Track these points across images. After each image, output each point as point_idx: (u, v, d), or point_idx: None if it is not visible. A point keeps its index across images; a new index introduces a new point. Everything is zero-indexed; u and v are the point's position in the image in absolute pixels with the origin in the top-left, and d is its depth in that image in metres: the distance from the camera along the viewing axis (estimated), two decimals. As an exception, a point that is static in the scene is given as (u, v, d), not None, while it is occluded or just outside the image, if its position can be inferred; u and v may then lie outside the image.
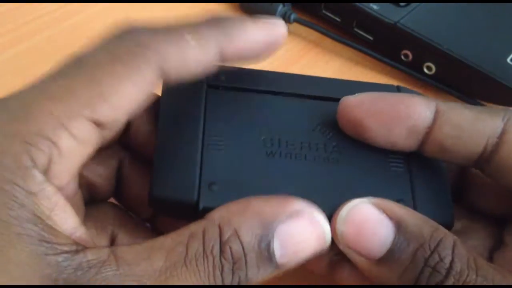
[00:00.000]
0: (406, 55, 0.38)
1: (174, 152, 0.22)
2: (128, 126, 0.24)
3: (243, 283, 0.18)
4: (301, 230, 0.19)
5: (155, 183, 0.21)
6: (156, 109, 0.23)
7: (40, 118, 0.18)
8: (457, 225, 0.24)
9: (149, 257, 0.18)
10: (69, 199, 0.19)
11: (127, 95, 0.19)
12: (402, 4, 0.38)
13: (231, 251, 0.18)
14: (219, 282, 0.18)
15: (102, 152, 0.23)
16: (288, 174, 0.22)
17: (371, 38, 0.39)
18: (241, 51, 0.21)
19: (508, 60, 0.36)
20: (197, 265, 0.18)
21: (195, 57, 0.20)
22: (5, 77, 0.35)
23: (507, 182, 0.22)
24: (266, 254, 0.18)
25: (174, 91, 0.23)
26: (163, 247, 0.18)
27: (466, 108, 0.22)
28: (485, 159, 0.21)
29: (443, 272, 0.18)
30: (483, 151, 0.21)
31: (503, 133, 0.21)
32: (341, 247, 0.20)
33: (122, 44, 0.19)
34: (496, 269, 0.19)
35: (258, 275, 0.18)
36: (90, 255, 0.17)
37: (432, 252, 0.19)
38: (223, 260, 0.18)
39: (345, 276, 0.23)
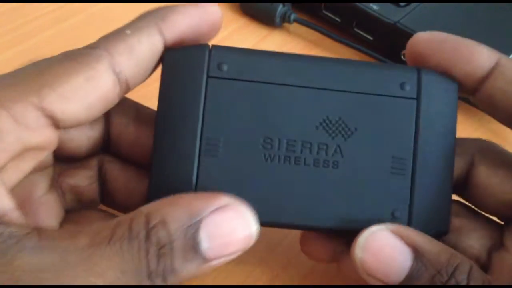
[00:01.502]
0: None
1: (171, 154, 0.21)
2: (107, 133, 0.24)
3: (169, 273, 0.18)
4: (228, 222, 0.19)
5: (152, 187, 0.21)
6: (136, 114, 0.24)
7: None
8: (456, 222, 0.24)
9: (74, 236, 0.18)
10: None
11: (79, 88, 0.20)
12: (402, 4, 0.38)
13: (157, 236, 0.18)
14: (144, 265, 0.18)
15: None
16: (285, 180, 0.21)
17: (371, 38, 0.39)
18: (180, 29, 0.22)
19: (508, 60, 0.36)
20: (121, 247, 0.18)
21: (137, 44, 0.21)
22: (5, 77, 0.35)
23: None
24: (192, 243, 0.18)
25: (172, 85, 0.22)
26: (89, 230, 0.18)
27: None
28: None
29: None
30: None
31: None
32: (359, 272, 0.20)
33: (75, 50, 0.21)
34: None
35: (185, 266, 0.18)
36: (13, 227, 0.18)
37: (449, 278, 0.19)
38: (148, 243, 0.18)
39: (349, 265, 0.23)
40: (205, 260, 0.19)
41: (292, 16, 0.40)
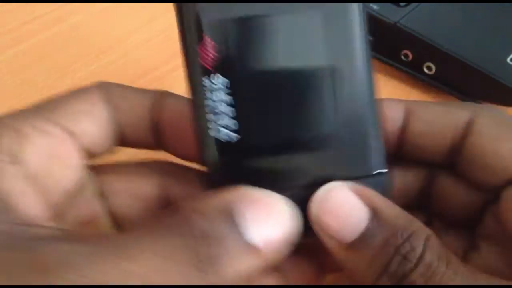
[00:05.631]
0: (406, 55, 0.38)
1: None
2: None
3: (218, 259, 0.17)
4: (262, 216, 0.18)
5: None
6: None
7: (17, 119, 0.20)
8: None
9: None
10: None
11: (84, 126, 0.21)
12: (402, 4, 0.38)
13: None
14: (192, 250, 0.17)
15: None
16: None
17: (371, 38, 0.39)
18: None
19: (508, 60, 0.36)
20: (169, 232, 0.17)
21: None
22: (5, 77, 0.35)
23: (476, 176, 0.21)
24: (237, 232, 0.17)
25: None
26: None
27: (436, 104, 0.22)
28: (455, 152, 0.21)
29: (413, 260, 0.18)
30: (451, 143, 0.21)
31: (470, 123, 0.21)
32: (314, 227, 0.20)
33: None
34: (466, 267, 0.18)
35: (234, 256, 0.17)
36: (41, 229, 0.18)
37: (404, 241, 0.18)
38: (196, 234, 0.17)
39: None
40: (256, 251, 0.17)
41: (292, 16, 0.40)
